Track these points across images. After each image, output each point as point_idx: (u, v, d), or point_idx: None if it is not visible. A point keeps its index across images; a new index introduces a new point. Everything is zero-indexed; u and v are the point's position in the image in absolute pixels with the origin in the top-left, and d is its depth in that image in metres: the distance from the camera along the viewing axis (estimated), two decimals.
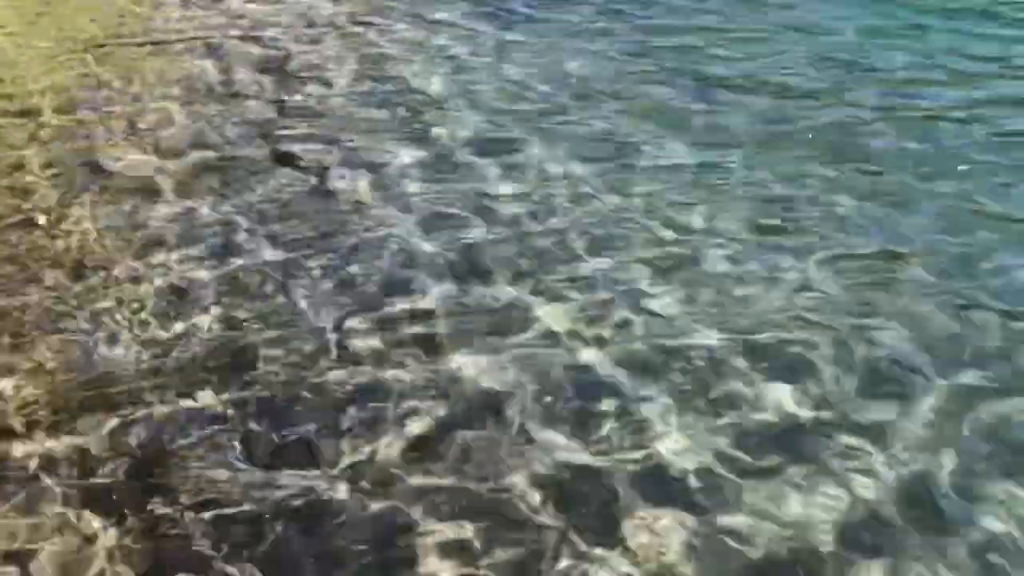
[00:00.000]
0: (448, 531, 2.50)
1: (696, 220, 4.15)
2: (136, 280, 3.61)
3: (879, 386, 3.10)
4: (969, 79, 5.78)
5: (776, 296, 3.59)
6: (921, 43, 6.45)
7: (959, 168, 4.66)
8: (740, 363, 3.18)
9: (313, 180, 4.49)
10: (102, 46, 6.30)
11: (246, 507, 2.57)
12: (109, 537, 2.46)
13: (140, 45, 6.37)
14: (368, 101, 5.46)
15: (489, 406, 2.96)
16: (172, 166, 4.60)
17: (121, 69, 5.91)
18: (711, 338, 3.31)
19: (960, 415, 2.96)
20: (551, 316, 3.43)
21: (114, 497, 2.60)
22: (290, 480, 2.66)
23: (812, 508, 2.60)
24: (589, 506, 2.61)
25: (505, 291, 3.59)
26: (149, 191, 4.35)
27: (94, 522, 2.51)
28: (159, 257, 3.77)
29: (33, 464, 2.70)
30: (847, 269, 3.79)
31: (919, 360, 3.22)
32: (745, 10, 7.12)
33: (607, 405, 2.97)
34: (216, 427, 2.85)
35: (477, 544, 2.47)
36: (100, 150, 4.75)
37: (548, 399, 2.99)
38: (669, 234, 4.03)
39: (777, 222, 4.15)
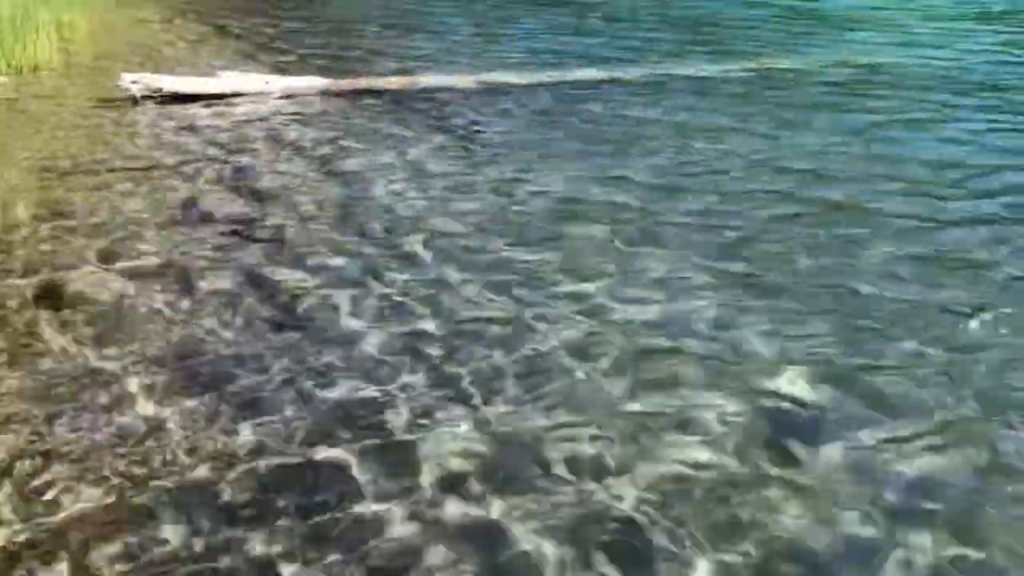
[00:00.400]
0: None
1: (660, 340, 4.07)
2: (104, 414, 3.50)
3: None
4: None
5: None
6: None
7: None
8: None
9: (282, 306, 4.42)
10: (72, 173, 6.28)
11: None
12: None
13: (111, 171, 6.35)
14: (340, 225, 5.41)
15: None
16: (139, 291, 4.53)
17: (91, 195, 5.87)
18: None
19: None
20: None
21: None
22: None
23: None
24: None
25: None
26: (116, 319, 4.27)
27: None
28: (118, 391, 3.67)
29: None
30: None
31: None
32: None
33: None
34: None
35: None
36: (66, 277, 4.68)
37: None
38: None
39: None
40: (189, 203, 5.75)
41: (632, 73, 9.26)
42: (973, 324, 4.19)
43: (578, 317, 4.26)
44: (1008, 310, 4.31)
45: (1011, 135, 7.10)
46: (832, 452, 3.25)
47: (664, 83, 8.96)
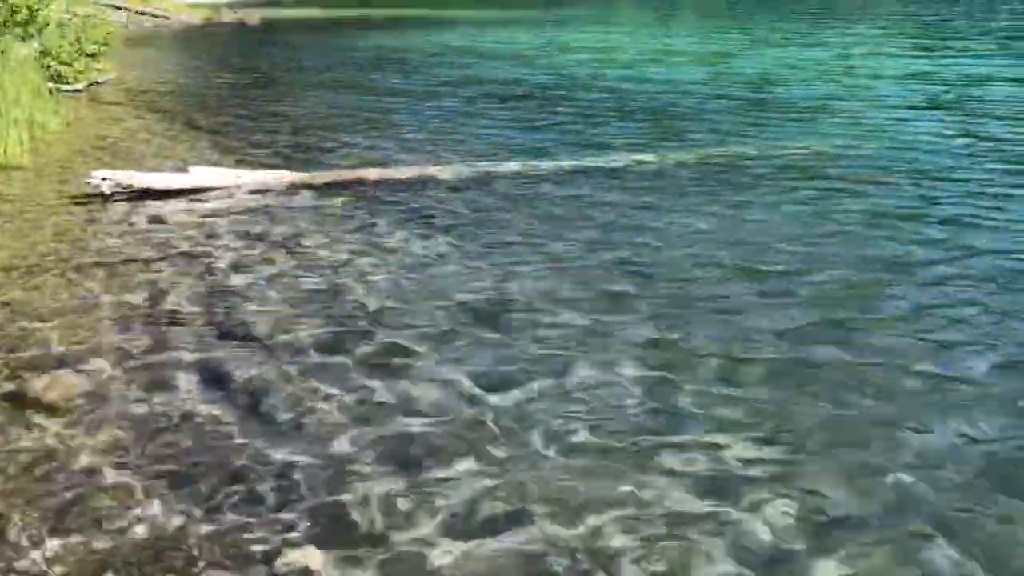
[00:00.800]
0: None
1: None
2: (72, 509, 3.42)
3: None
4: None
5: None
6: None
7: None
8: None
9: (251, 402, 4.39)
10: (39, 271, 6.28)
11: None
12: None
13: (78, 268, 6.35)
14: (310, 319, 5.42)
15: None
16: (108, 390, 4.48)
17: (58, 293, 5.86)
18: None
19: None
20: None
21: None
22: None
23: None
24: None
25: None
26: (84, 417, 4.22)
27: None
28: (87, 487, 3.60)
29: None
30: None
31: None
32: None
33: None
34: None
35: None
36: (33, 376, 4.63)
37: None
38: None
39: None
40: (158, 299, 5.75)
41: (595, 162, 9.46)
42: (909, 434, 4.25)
43: (551, 408, 4.28)
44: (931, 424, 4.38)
45: (957, 222, 7.29)
46: None
47: (625, 171, 9.16)
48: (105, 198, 8.22)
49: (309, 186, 8.74)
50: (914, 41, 24.94)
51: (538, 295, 5.73)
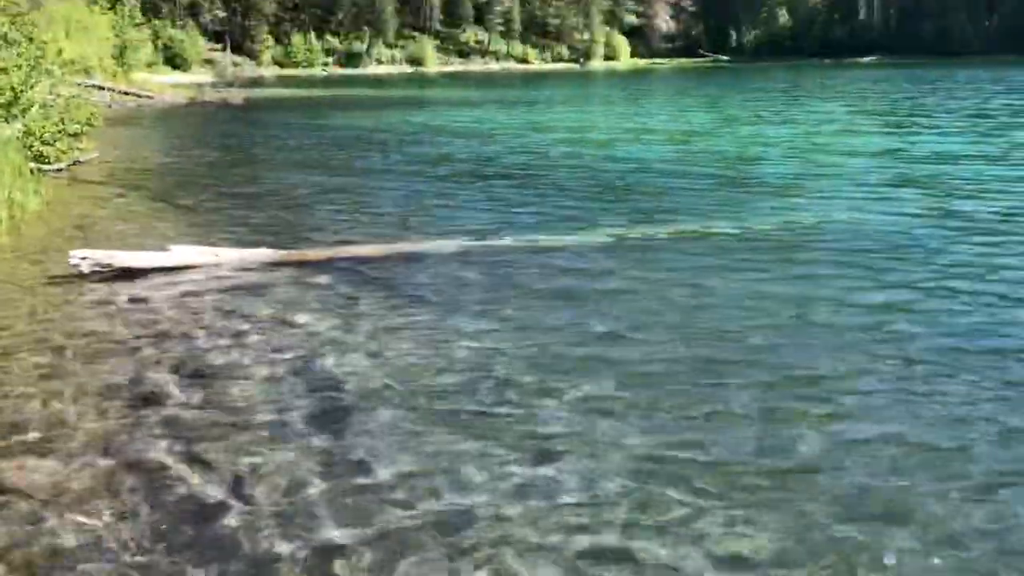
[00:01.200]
0: None
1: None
2: None
3: None
4: None
5: None
6: None
7: None
8: None
9: (230, 488, 4.34)
10: (13, 352, 6.20)
11: None
12: None
13: (54, 349, 6.29)
14: (290, 401, 5.38)
15: None
16: (79, 478, 4.41)
17: (32, 376, 5.79)
18: None
19: None
20: None
21: None
22: None
23: None
24: None
25: None
26: (54, 506, 4.13)
27: None
28: None
29: None
30: None
31: None
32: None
33: None
34: None
35: None
36: (2, 464, 4.56)
37: None
38: None
39: None
40: (134, 382, 5.69)
41: (569, 238, 9.57)
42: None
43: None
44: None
45: (930, 297, 7.41)
46: None
47: (598, 247, 9.26)
48: (84, 277, 8.20)
49: (289, 264, 8.77)
50: (883, 118, 25.64)
51: (516, 375, 5.72)
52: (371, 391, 5.50)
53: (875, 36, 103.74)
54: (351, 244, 9.46)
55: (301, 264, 8.78)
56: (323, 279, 8.23)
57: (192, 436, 4.87)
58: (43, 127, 15.16)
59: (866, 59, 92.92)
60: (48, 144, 15.18)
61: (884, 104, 31.31)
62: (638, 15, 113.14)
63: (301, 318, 7.03)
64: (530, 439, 4.77)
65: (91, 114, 17.03)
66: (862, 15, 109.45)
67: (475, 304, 7.34)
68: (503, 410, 5.16)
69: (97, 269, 8.32)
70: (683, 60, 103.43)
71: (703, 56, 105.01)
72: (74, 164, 15.83)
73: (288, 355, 6.17)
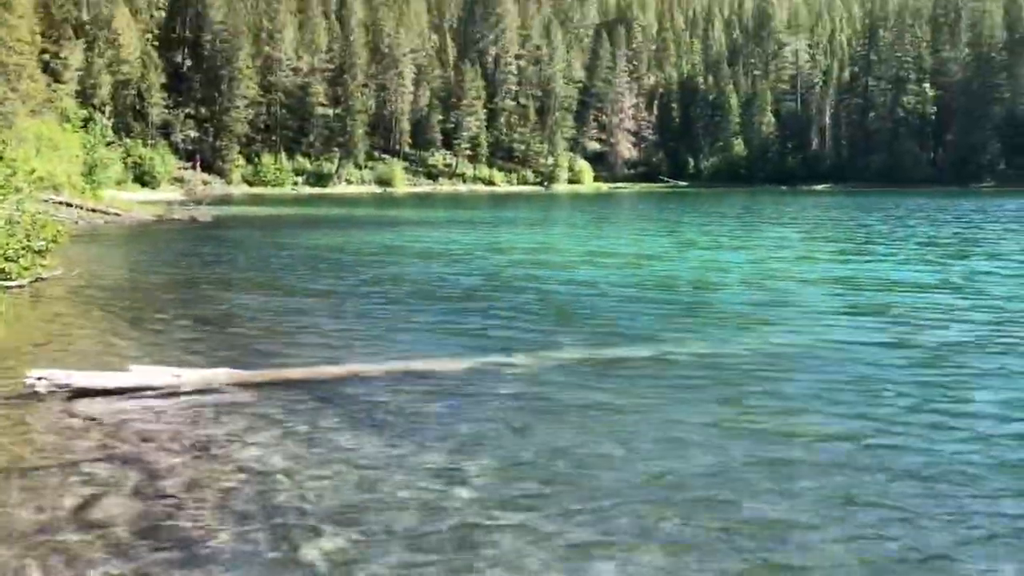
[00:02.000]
0: None
1: None
2: None
3: None
4: None
5: None
6: None
7: None
8: None
9: None
10: None
11: None
12: None
13: (1, 473, 6.23)
14: (246, 527, 5.35)
15: None
16: None
17: None
18: None
19: None
20: None
21: None
22: None
23: None
24: None
25: None
26: None
27: None
28: None
29: None
30: None
31: None
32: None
33: None
34: None
35: None
36: None
37: None
38: None
39: None
40: (87, 507, 5.62)
41: (522, 360, 9.68)
42: None
43: None
44: None
45: (884, 429, 7.58)
46: None
47: (553, 369, 9.38)
48: (39, 398, 8.13)
49: (250, 385, 8.77)
50: (837, 245, 26.47)
51: (471, 500, 5.74)
52: (327, 516, 5.47)
53: (827, 165, 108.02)
54: (309, 366, 9.50)
55: (261, 385, 8.79)
56: (282, 401, 8.23)
57: (144, 560, 4.81)
58: (7, 244, 15.21)
59: (819, 187, 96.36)
60: (11, 260, 15.21)
61: (838, 231, 32.34)
62: (601, 142, 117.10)
63: (258, 440, 7.01)
64: (476, 560, 4.77)
65: (57, 231, 17.13)
66: (814, 145, 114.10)
67: (431, 427, 7.38)
68: (456, 536, 5.17)
69: (54, 389, 8.27)
70: (644, 185, 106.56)
71: (663, 181, 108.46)
72: (37, 281, 15.81)
73: (243, 480, 6.14)
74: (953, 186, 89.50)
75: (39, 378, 8.27)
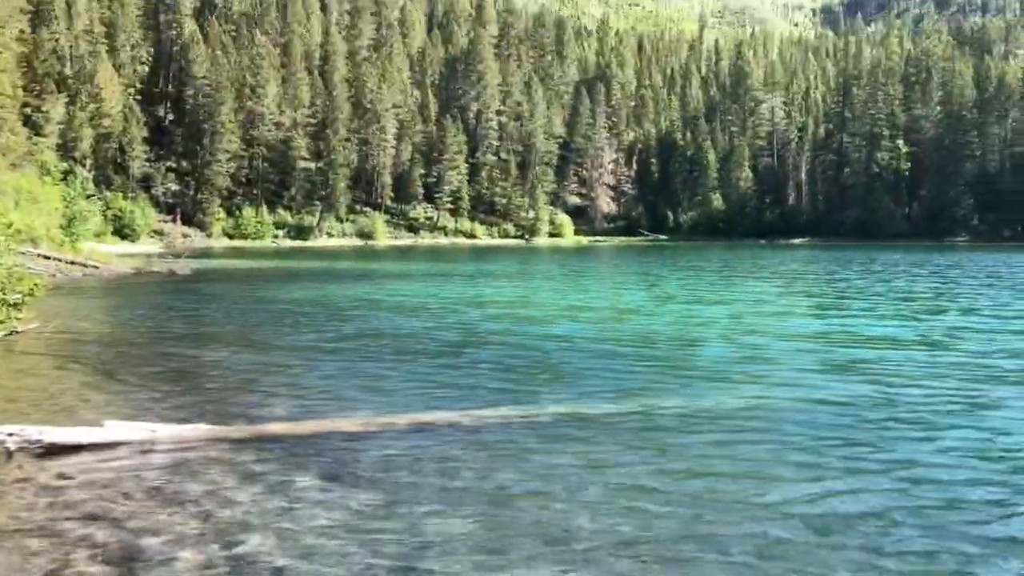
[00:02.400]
0: None
1: None
2: None
3: None
4: None
5: None
6: None
7: None
8: None
9: None
10: None
11: None
12: None
13: None
14: None
15: None
16: None
17: None
18: None
19: None
20: None
21: None
22: None
23: None
24: None
25: None
26: None
27: None
28: None
29: None
30: None
31: None
32: None
33: None
34: None
35: None
36: None
37: None
38: None
39: None
40: (59, 570, 5.53)
41: (503, 414, 9.66)
42: None
43: None
44: None
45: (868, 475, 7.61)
46: None
47: (529, 424, 9.37)
48: (9, 455, 8.01)
49: (225, 440, 8.69)
50: (814, 299, 26.71)
51: (447, 558, 5.70)
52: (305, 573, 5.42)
53: (804, 219, 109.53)
54: (286, 421, 9.44)
55: (237, 441, 8.71)
56: (259, 457, 8.16)
57: None
58: None
59: (797, 240, 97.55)
60: None
61: (815, 286, 32.65)
62: (581, 196, 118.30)
63: (233, 497, 6.94)
64: None
65: (34, 284, 17.03)
66: (791, 200, 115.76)
67: (410, 477, 7.33)
68: None
69: (25, 446, 8.16)
70: (624, 238, 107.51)
71: (643, 235, 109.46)
72: (12, 334, 15.68)
73: (218, 537, 6.07)
74: (927, 240, 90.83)
75: (9, 434, 8.16)
